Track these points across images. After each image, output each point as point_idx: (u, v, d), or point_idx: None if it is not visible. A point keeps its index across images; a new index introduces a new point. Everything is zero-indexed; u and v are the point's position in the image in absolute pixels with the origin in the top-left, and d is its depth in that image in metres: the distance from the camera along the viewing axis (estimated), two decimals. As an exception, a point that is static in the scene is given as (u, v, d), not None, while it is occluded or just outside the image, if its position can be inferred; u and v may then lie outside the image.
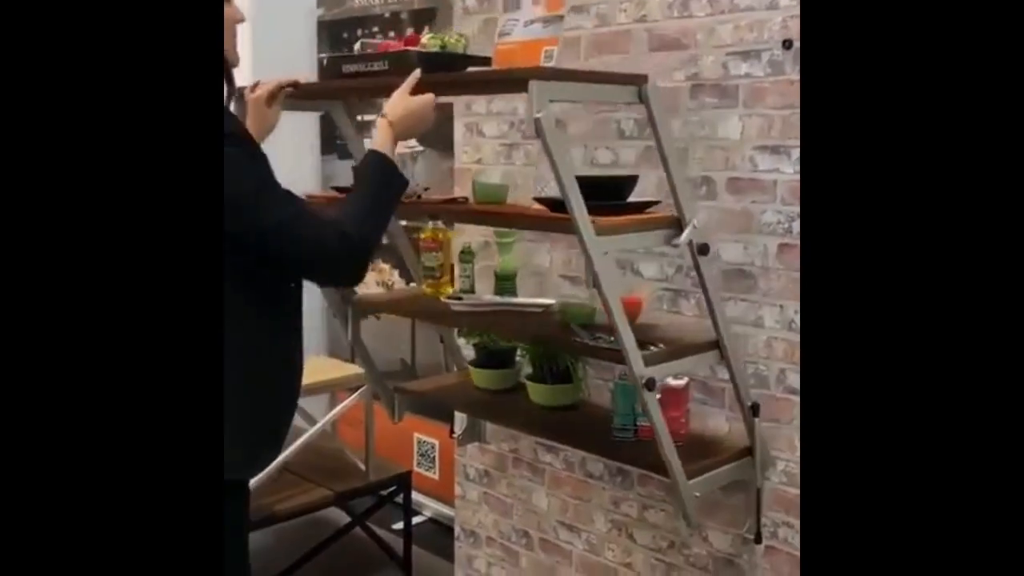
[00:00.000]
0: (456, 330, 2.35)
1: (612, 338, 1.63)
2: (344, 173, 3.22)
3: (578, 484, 2.30)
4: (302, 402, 2.98)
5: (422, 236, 2.16)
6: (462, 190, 2.47)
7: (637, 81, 1.66)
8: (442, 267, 2.16)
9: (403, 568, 2.93)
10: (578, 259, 2.21)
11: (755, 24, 1.83)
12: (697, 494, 1.76)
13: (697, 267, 1.73)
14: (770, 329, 1.87)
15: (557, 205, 1.63)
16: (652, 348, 1.70)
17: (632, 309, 1.76)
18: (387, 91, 1.66)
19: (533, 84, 1.47)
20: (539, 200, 1.87)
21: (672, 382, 1.88)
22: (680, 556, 2.09)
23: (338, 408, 2.89)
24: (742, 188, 1.88)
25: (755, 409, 1.82)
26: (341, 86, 1.99)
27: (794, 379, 1.83)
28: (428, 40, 1.84)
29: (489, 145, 2.39)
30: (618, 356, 1.62)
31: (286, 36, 3.36)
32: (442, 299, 2.10)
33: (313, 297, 1.88)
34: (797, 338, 1.82)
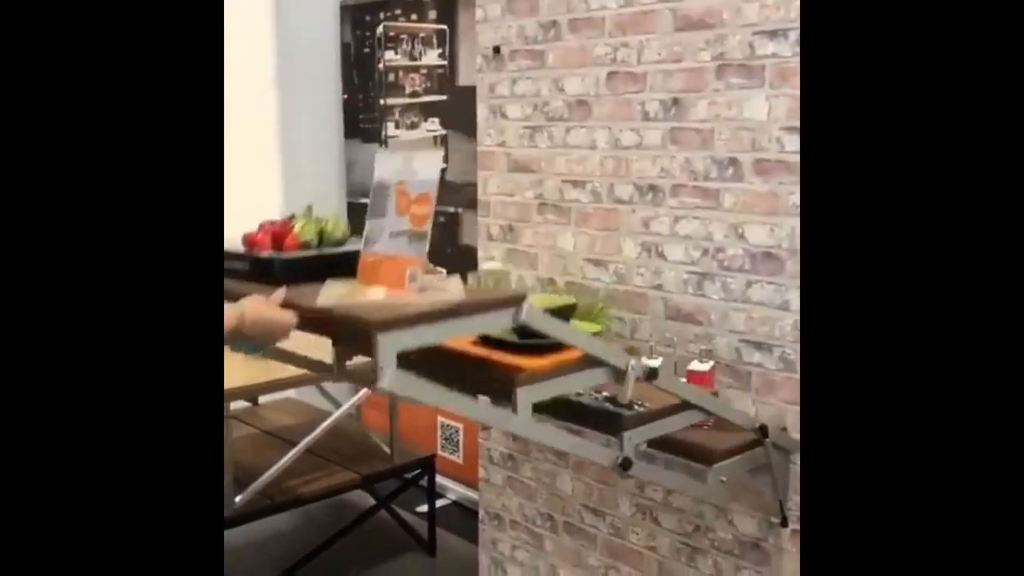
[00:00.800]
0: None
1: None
2: (367, 157, 3.22)
3: (603, 468, 2.30)
4: (327, 386, 3.02)
5: None
6: (485, 173, 2.47)
7: (513, 303, 1.39)
8: None
9: (427, 550, 2.95)
10: (603, 242, 2.20)
11: (781, 3, 1.80)
12: (723, 478, 1.75)
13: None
14: (796, 312, 1.85)
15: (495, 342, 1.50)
16: (638, 407, 1.64)
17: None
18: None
19: (380, 338, 1.22)
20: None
21: (697, 365, 1.87)
22: (705, 540, 2.08)
23: (362, 392, 2.90)
24: (768, 170, 1.86)
25: (764, 430, 1.81)
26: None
27: (821, 362, 1.82)
28: (301, 228, 1.61)
29: (512, 127, 2.38)
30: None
31: (309, 20, 3.36)
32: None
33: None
34: (824, 321, 1.80)
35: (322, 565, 2.74)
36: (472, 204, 2.63)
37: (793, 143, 1.81)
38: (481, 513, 2.66)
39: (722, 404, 1.82)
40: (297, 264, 1.47)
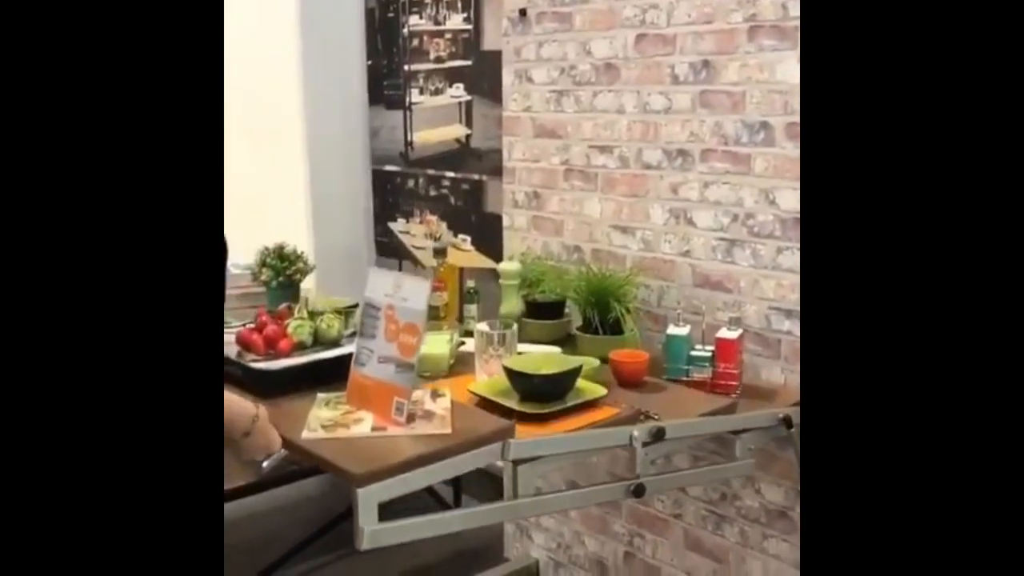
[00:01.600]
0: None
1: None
2: (391, 122, 3.19)
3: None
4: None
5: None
6: (511, 139, 2.44)
7: (500, 436, 1.38)
8: (447, 306, 2.14)
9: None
10: (629, 208, 2.17)
11: (818, -40, 1.75)
12: (751, 447, 1.73)
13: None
14: (828, 279, 1.82)
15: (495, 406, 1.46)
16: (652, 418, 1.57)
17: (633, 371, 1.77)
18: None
19: (360, 493, 1.21)
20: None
21: (726, 333, 1.85)
22: (732, 508, 2.07)
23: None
24: (801, 133, 1.82)
25: (788, 422, 1.75)
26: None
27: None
28: (295, 329, 1.61)
29: (538, 92, 2.35)
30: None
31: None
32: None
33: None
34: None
35: (347, 530, 2.76)
36: (496, 171, 2.61)
37: (827, 106, 1.77)
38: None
39: (741, 419, 1.72)
40: (289, 374, 1.50)
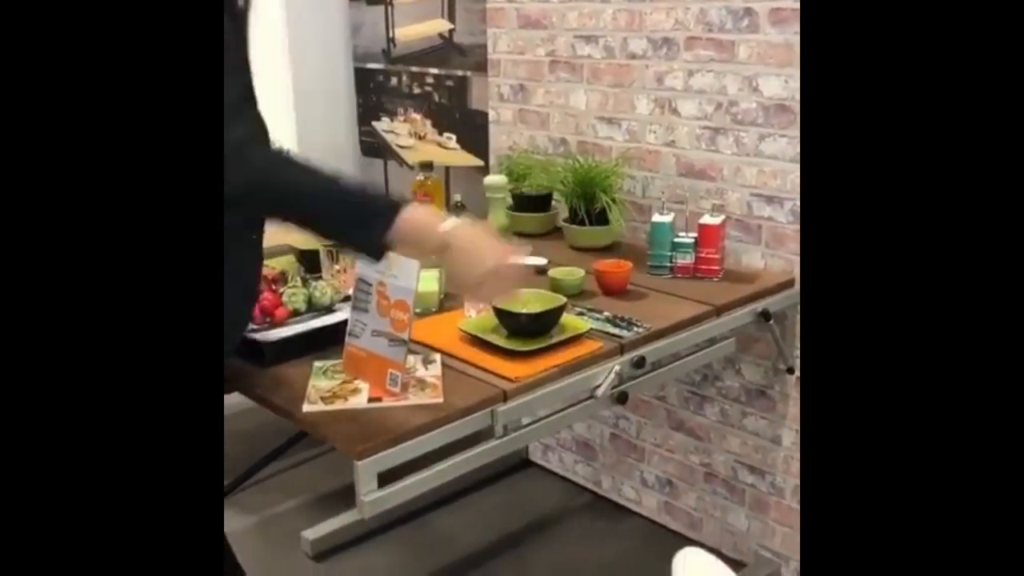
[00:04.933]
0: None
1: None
2: (372, 18, 3.15)
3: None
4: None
5: (412, 188, 2.13)
6: (495, 31, 2.42)
7: (491, 403, 1.41)
8: None
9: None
10: (615, 99, 2.19)
11: None
12: (731, 328, 1.81)
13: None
14: (809, 165, 1.86)
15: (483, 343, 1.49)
16: (637, 328, 1.62)
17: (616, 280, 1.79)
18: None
19: (359, 465, 1.26)
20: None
21: (708, 220, 1.90)
22: (713, 388, 2.17)
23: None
24: (784, 19, 1.83)
25: (766, 315, 1.83)
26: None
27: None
28: (290, 297, 1.62)
29: (522, -17, 2.32)
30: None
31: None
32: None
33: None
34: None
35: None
36: (481, 67, 2.60)
37: (811, -10, 1.78)
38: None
39: (719, 324, 1.76)
40: (285, 344, 1.54)
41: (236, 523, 2.40)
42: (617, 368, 1.53)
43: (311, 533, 2.31)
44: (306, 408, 1.39)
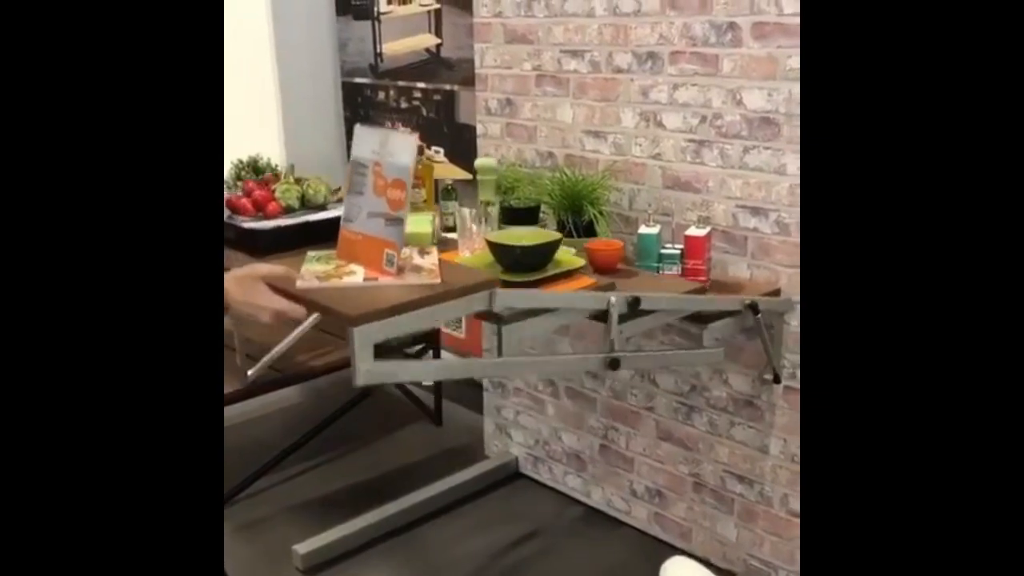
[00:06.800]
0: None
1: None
2: (360, 33, 3.17)
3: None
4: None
5: None
6: (482, 46, 2.44)
7: (486, 287, 1.43)
8: (426, 202, 2.17)
9: (434, 420, 3.07)
10: (601, 113, 2.21)
11: None
12: (718, 337, 1.82)
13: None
14: (792, 176, 1.88)
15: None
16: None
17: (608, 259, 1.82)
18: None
19: (355, 332, 1.26)
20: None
21: (694, 231, 1.92)
22: (701, 399, 2.18)
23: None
24: (767, 33, 1.86)
25: (755, 307, 1.85)
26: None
27: (815, 225, 1.86)
28: (283, 193, 1.61)
29: (508, -2, 2.35)
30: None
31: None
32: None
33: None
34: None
35: (333, 436, 2.86)
36: (468, 81, 2.61)
37: (792, 5, 1.81)
38: (485, 382, 2.77)
39: (710, 299, 1.83)
40: (279, 233, 1.50)
41: (228, 536, 2.40)
42: (613, 299, 1.54)
43: (302, 547, 2.31)
44: (300, 284, 1.34)
